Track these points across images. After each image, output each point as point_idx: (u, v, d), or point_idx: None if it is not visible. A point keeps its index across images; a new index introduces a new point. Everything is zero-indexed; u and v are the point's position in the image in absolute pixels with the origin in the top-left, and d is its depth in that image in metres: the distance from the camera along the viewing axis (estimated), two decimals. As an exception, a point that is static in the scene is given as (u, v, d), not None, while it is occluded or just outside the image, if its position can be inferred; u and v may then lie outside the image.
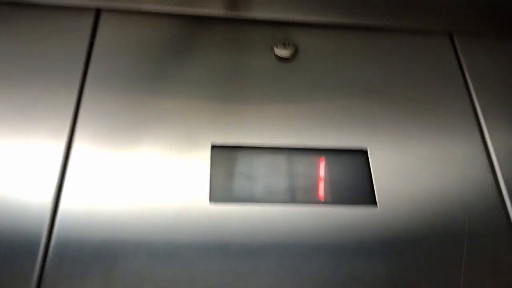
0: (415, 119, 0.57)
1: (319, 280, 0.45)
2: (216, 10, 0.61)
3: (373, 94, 0.58)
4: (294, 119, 0.55)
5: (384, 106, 0.58)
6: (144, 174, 0.48)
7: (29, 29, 0.56)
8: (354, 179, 0.52)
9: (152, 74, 0.55)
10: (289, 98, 0.56)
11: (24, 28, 0.56)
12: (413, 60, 0.63)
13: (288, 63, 0.59)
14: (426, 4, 0.65)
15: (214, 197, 0.48)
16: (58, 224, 0.44)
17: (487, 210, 0.51)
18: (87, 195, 0.46)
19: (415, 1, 0.65)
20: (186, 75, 0.56)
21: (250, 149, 0.52)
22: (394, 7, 0.65)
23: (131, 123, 0.51)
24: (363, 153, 0.54)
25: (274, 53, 0.59)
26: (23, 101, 0.50)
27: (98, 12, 0.58)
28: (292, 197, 0.50)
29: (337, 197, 0.51)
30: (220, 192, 0.48)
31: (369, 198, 0.51)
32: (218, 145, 0.51)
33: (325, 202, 0.50)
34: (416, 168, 0.53)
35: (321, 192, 0.51)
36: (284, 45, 0.60)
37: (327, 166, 0.52)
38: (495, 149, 0.56)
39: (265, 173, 0.51)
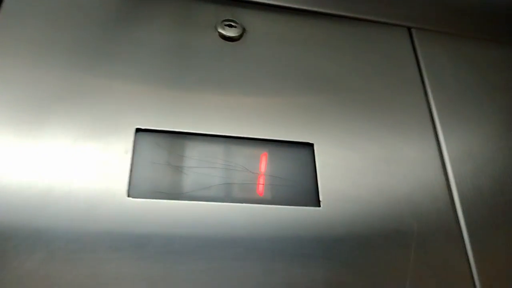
0: (367, 115, 0.53)
1: (250, 286, 0.39)
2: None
3: (324, 86, 0.54)
4: (236, 106, 0.49)
5: (335, 99, 0.53)
6: (50, 159, 0.40)
7: None
8: (297, 176, 0.47)
9: (74, 46, 0.47)
10: (232, 83, 0.50)
11: None
12: (369, 53, 0.59)
13: (233, 43, 0.53)
14: (387, -6, 0.62)
15: (133, 191, 0.41)
16: None
17: (436, 214, 0.49)
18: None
19: (375, -9, 0.61)
20: (116, 51, 0.49)
21: (181, 135, 0.45)
22: (353, -6, 0.61)
23: (39, 99, 0.43)
24: (309, 147, 0.49)
25: (218, 32, 0.53)
26: None
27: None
28: (227, 194, 0.44)
29: (277, 196, 0.45)
30: (141, 185, 0.42)
31: (312, 197, 0.46)
32: (143, 128, 0.44)
33: (264, 201, 0.44)
34: (365, 167, 0.49)
35: (261, 189, 0.45)
36: (231, 24, 0.53)
37: (269, 160, 0.47)
38: (448, 150, 0.54)
39: (197, 165, 0.44)
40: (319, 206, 0.45)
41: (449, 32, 0.65)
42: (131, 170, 0.42)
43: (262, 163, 0.47)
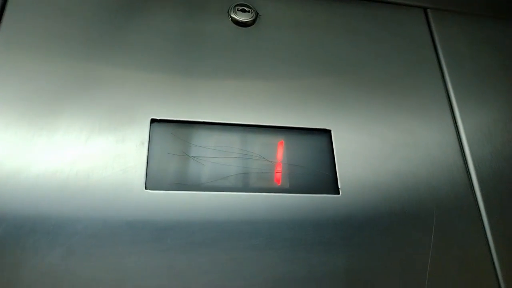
0: (384, 99, 0.52)
1: (272, 276, 0.39)
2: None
3: (340, 70, 0.52)
4: (251, 93, 0.48)
5: (352, 84, 0.52)
6: (65, 153, 0.39)
7: None
8: (315, 163, 0.46)
9: (85, 37, 0.46)
10: (247, 70, 0.49)
11: None
12: (385, 35, 0.57)
13: (246, 29, 0.52)
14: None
15: (151, 183, 0.40)
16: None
17: (456, 197, 0.48)
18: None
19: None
20: (127, 40, 0.47)
21: (197, 125, 0.45)
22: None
23: (52, 92, 0.42)
24: (327, 133, 0.48)
25: (231, 17, 0.51)
26: None
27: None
28: (245, 184, 0.43)
29: (296, 184, 0.45)
30: (158, 176, 0.41)
31: (331, 185, 0.45)
32: (159, 119, 0.43)
33: (282, 190, 0.44)
34: (383, 152, 0.48)
35: (278, 177, 0.45)
36: (244, 9, 0.52)
37: (286, 148, 0.46)
38: (466, 133, 0.52)
39: (214, 155, 0.44)
40: (338, 193, 0.44)
41: (465, 11, 0.63)
42: (147, 162, 0.41)
43: (279, 151, 0.46)
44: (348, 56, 0.54)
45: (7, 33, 0.44)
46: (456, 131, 0.52)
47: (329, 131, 0.48)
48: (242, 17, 0.51)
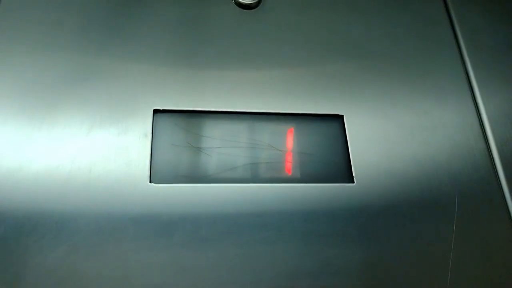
0: (399, 81, 0.49)
1: (283, 270, 0.37)
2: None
3: (351, 52, 0.50)
4: (257, 80, 0.46)
5: (364, 65, 0.49)
6: (66, 147, 0.38)
7: None
8: (327, 151, 0.44)
9: (84, 27, 0.45)
10: (252, 55, 0.47)
11: None
12: (398, 13, 0.54)
13: (250, 11, 0.49)
14: None
15: (155, 176, 0.39)
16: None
17: (478, 182, 0.45)
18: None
19: None
20: (127, 29, 0.46)
21: (202, 114, 0.43)
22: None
23: (51, 84, 0.41)
24: (339, 119, 0.45)
25: (234, 0, 0.49)
26: None
27: None
28: (253, 175, 0.41)
29: (307, 174, 0.42)
30: (163, 169, 0.39)
31: (345, 173, 0.43)
32: (162, 109, 0.42)
33: (293, 180, 0.42)
34: (400, 137, 0.45)
35: (289, 167, 0.42)
36: (247, -9, 0.50)
37: (297, 136, 0.44)
38: (488, 114, 0.49)
39: (220, 145, 0.42)
40: (353, 182, 0.42)
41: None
42: (151, 154, 0.39)
43: (289, 140, 0.44)
44: (358, 37, 0.51)
45: (3, 25, 0.43)
46: (477, 112, 0.49)
47: (341, 116, 0.45)
48: (245, 0, 0.49)
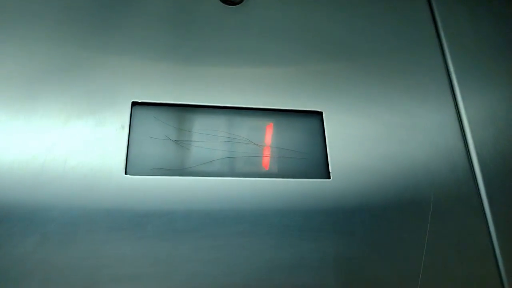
0: (380, 79, 0.49)
1: (257, 264, 0.38)
2: None
3: (333, 49, 0.50)
4: (238, 75, 0.46)
5: (344, 63, 0.49)
6: (43, 137, 0.38)
7: None
8: (305, 147, 0.44)
9: (65, 17, 0.44)
10: (234, 50, 0.47)
11: None
12: (381, 11, 0.54)
13: (234, 7, 0.50)
14: None
15: (131, 168, 0.39)
16: None
17: (455, 182, 0.46)
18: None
19: None
20: (108, 20, 0.46)
21: (180, 108, 0.43)
22: None
23: (30, 74, 0.41)
24: (318, 116, 0.45)
25: (218, -5, 0.49)
26: None
27: None
28: (231, 168, 0.42)
29: (284, 169, 0.43)
30: (139, 161, 0.39)
31: (322, 169, 0.43)
32: (140, 102, 0.42)
33: (271, 174, 0.42)
34: (378, 134, 0.46)
35: (266, 162, 0.43)
36: (231, -14, 0.50)
37: (275, 131, 0.44)
38: (468, 114, 0.50)
39: (198, 138, 0.42)
40: (329, 178, 0.42)
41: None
42: (128, 146, 0.39)
43: (268, 135, 0.44)
44: (341, 34, 0.51)
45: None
46: (456, 111, 0.50)
47: (321, 113, 0.46)
48: (229, -5, 0.49)
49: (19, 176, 0.36)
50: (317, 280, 0.38)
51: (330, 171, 0.43)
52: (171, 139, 0.41)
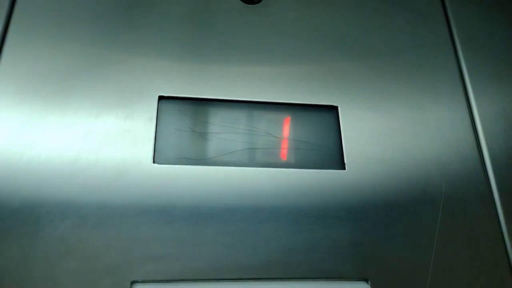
0: (394, 76, 0.51)
1: (275, 247, 0.40)
2: None
3: (349, 47, 0.52)
4: (258, 71, 0.48)
5: (360, 59, 0.51)
6: (76, 129, 0.41)
7: None
8: (321, 139, 0.47)
9: (93, 19, 0.47)
10: (254, 48, 0.50)
11: None
12: (395, 9, 0.56)
13: (253, 6, 0.52)
14: None
15: (159, 157, 0.42)
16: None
17: (466, 175, 0.47)
18: (7, 146, 0.39)
19: None
20: (134, 18, 0.48)
21: (203, 102, 0.45)
22: None
23: (63, 70, 0.44)
24: (334, 110, 0.48)
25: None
26: None
27: None
28: (250, 159, 0.44)
29: (301, 160, 0.45)
30: (166, 151, 0.42)
31: (337, 160, 0.45)
32: (166, 96, 0.44)
33: (288, 165, 0.44)
34: (391, 128, 0.48)
35: (284, 153, 0.45)
36: (251, -14, 0.52)
37: (292, 124, 0.47)
38: (479, 110, 0.51)
39: (220, 130, 0.45)
40: (344, 168, 0.45)
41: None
42: (155, 137, 0.42)
43: (285, 128, 0.46)
44: (357, 32, 0.53)
45: (21, 16, 0.45)
46: (468, 106, 0.51)
47: (336, 107, 0.48)
48: (249, -6, 0.52)
49: (57, 164, 0.39)
50: (331, 264, 0.40)
51: (345, 162, 0.45)
52: (195, 131, 0.44)
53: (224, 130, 0.45)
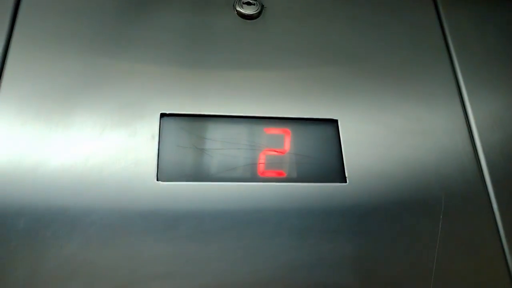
0: (391, 88, 0.52)
1: (280, 263, 0.40)
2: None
3: (346, 59, 0.53)
4: (257, 86, 0.49)
5: (358, 72, 0.52)
6: (80, 148, 0.41)
7: None
8: (322, 153, 0.47)
9: (93, 33, 0.48)
10: (252, 63, 0.50)
11: None
12: (391, 22, 0.57)
13: (252, 21, 0.53)
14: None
15: (162, 175, 0.42)
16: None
17: (465, 185, 0.48)
18: (11, 168, 0.39)
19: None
20: (134, 35, 0.49)
21: (205, 118, 0.46)
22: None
23: (65, 89, 0.44)
24: (334, 123, 0.48)
25: (237, 10, 0.52)
26: None
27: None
28: (252, 174, 0.44)
29: (303, 174, 0.45)
30: (169, 168, 0.42)
31: (338, 174, 0.46)
32: (168, 113, 0.45)
33: (289, 179, 0.45)
34: (391, 140, 0.48)
35: (285, 168, 0.46)
36: (249, 2, 0.53)
37: (293, 139, 0.47)
38: (476, 119, 0.52)
39: (222, 146, 0.45)
40: (345, 182, 0.45)
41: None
42: (158, 155, 0.42)
43: (286, 142, 0.47)
44: (354, 45, 0.54)
45: (21, 32, 0.46)
46: (465, 117, 0.52)
47: (336, 121, 0.48)
48: (247, 10, 0.52)
49: (61, 183, 0.39)
50: (335, 278, 0.41)
51: (346, 175, 0.45)
52: (197, 148, 0.44)
53: (225, 146, 0.45)
